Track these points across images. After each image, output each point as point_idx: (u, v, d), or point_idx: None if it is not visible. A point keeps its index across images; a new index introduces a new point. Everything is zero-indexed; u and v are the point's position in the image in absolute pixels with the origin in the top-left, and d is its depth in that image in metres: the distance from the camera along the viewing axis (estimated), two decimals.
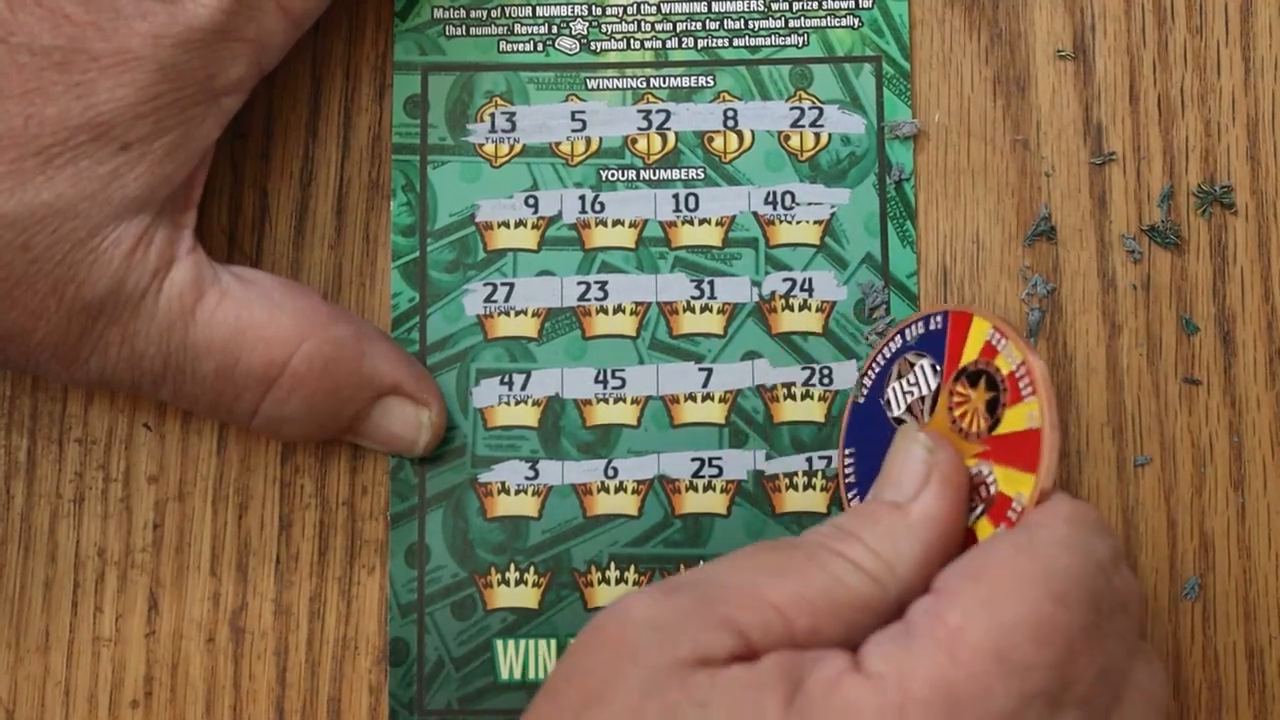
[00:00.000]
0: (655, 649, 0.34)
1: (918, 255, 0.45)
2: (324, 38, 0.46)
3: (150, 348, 0.40)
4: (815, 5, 0.46)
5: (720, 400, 0.45)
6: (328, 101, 0.46)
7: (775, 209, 0.45)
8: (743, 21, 0.46)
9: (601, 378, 0.45)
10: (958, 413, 0.39)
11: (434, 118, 0.46)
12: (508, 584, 0.44)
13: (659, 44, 0.46)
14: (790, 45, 0.46)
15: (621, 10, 0.46)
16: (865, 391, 0.42)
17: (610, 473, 0.44)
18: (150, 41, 0.38)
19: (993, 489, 0.38)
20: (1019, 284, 0.45)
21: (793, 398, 0.44)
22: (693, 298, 0.45)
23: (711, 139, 0.45)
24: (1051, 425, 0.37)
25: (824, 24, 0.46)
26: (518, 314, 0.45)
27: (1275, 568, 0.44)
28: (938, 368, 0.40)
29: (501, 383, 0.45)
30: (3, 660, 0.44)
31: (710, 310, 0.45)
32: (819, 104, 0.45)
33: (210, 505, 0.45)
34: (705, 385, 0.45)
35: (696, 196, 0.45)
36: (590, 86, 0.46)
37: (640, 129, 0.45)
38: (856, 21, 0.46)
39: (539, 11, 0.46)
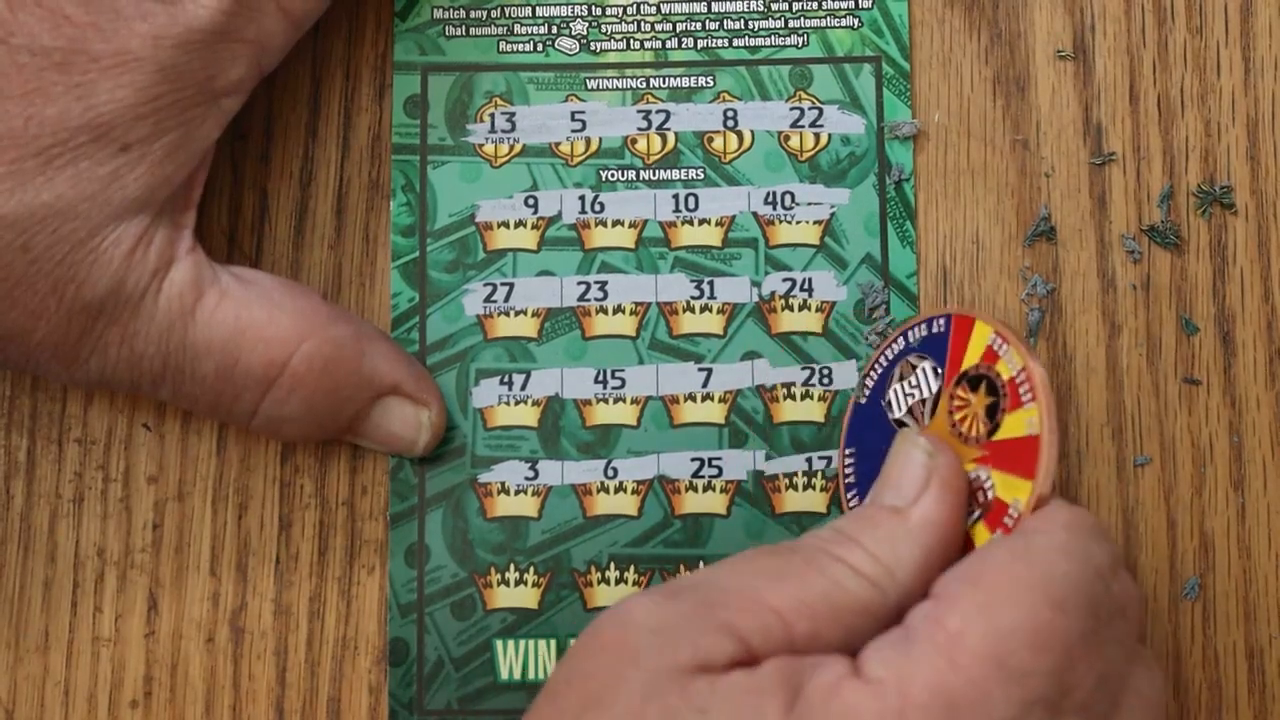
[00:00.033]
0: (656, 653, 0.34)
1: (917, 255, 0.45)
2: (324, 38, 0.46)
3: (150, 348, 0.40)
4: (815, 5, 0.46)
5: (720, 400, 0.45)
6: (328, 102, 0.46)
7: (775, 209, 0.45)
8: (742, 22, 0.46)
9: (601, 378, 0.45)
10: (958, 417, 0.39)
11: (434, 118, 0.45)
12: (507, 584, 0.44)
13: (659, 44, 0.46)
14: (790, 45, 0.46)
15: (621, 10, 0.46)
16: (867, 392, 0.42)
17: (610, 473, 0.44)
18: (150, 42, 0.38)
19: (990, 494, 0.38)
20: (1019, 284, 0.45)
21: (792, 398, 0.44)
22: (692, 298, 0.45)
23: (711, 139, 0.45)
24: (1050, 431, 0.37)
25: (824, 24, 0.46)
26: (517, 314, 0.45)
27: (1275, 568, 0.44)
28: (939, 371, 0.40)
29: (501, 383, 0.45)
30: (2, 660, 0.44)
31: (710, 310, 0.45)
32: (819, 104, 0.45)
33: (210, 505, 0.45)
34: (705, 385, 0.45)
35: (696, 197, 0.45)
36: (590, 87, 0.46)
37: (640, 129, 0.45)
38: (856, 22, 0.46)
39: (539, 12, 0.46)
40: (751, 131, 0.45)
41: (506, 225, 0.45)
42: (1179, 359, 0.45)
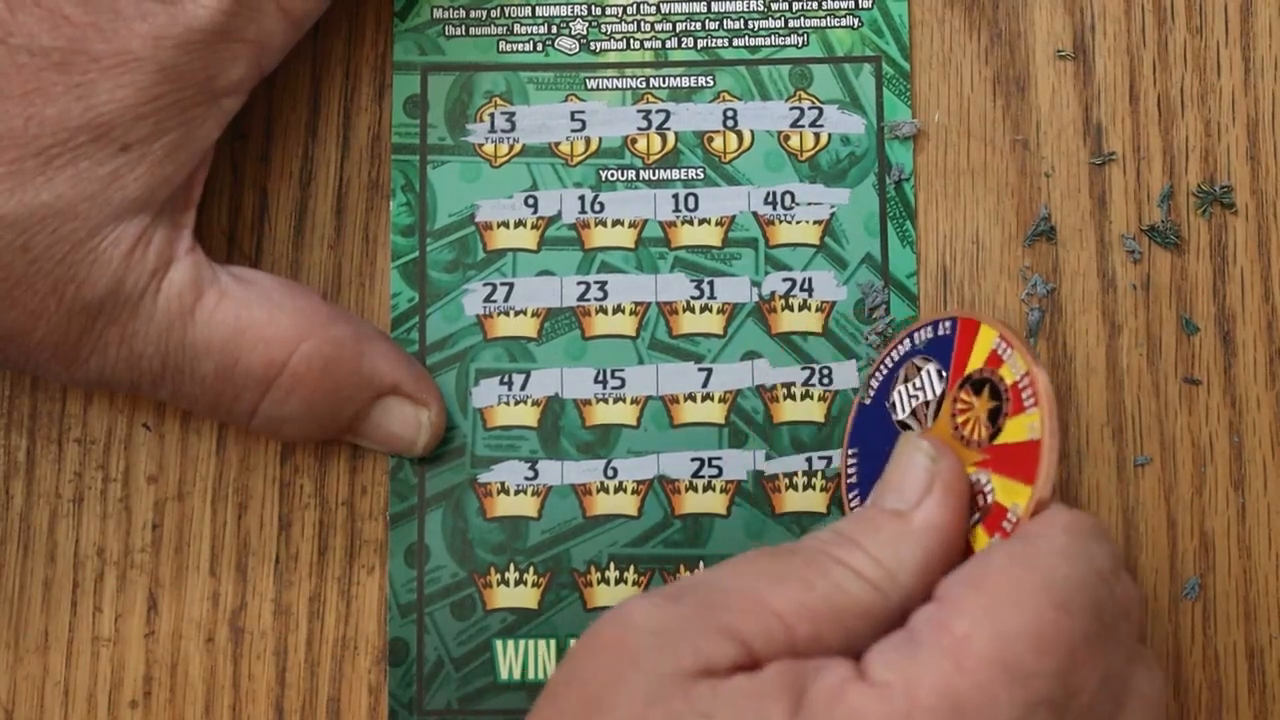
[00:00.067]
0: (657, 656, 0.34)
1: (917, 255, 0.45)
2: (324, 38, 0.46)
3: (149, 348, 0.40)
4: (815, 5, 0.46)
5: (720, 400, 0.45)
6: (327, 101, 0.46)
7: (775, 209, 0.45)
8: (742, 21, 0.46)
9: (601, 378, 0.45)
10: (960, 419, 0.39)
11: (433, 118, 0.45)
12: (507, 584, 0.44)
13: (659, 44, 0.46)
14: (790, 45, 0.46)
15: (621, 10, 0.46)
16: (872, 393, 0.42)
17: (610, 473, 0.44)
18: (150, 43, 0.38)
19: (990, 498, 0.38)
20: (1019, 284, 0.45)
21: (792, 398, 0.44)
22: (692, 298, 0.45)
23: (711, 139, 0.45)
24: (1051, 435, 0.37)
25: (824, 24, 0.46)
26: (517, 314, 0.45)
27: (1275, 568, 0.44)
28: (944, 373, 0.40)
29: (501, 383, 0.45)
30: (2, 660, 0.44)
31: (710, 310, 0.45)
32: (819, 104, 0.45)
33: (210, 505, 0.45)
34: (705, 385, 0.45)
35: (696, 196, 0.45)
36: (590, 86, 0.46)
37: (640, 129, 0.45)
38: (856, 21, 0.46)
39: (539, 11, 0.46)
40: (751, 131, 0.45)
41: (506, 225, 0.45)
42: (1179, 359, 0.45)
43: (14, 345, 0.39)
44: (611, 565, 0.44)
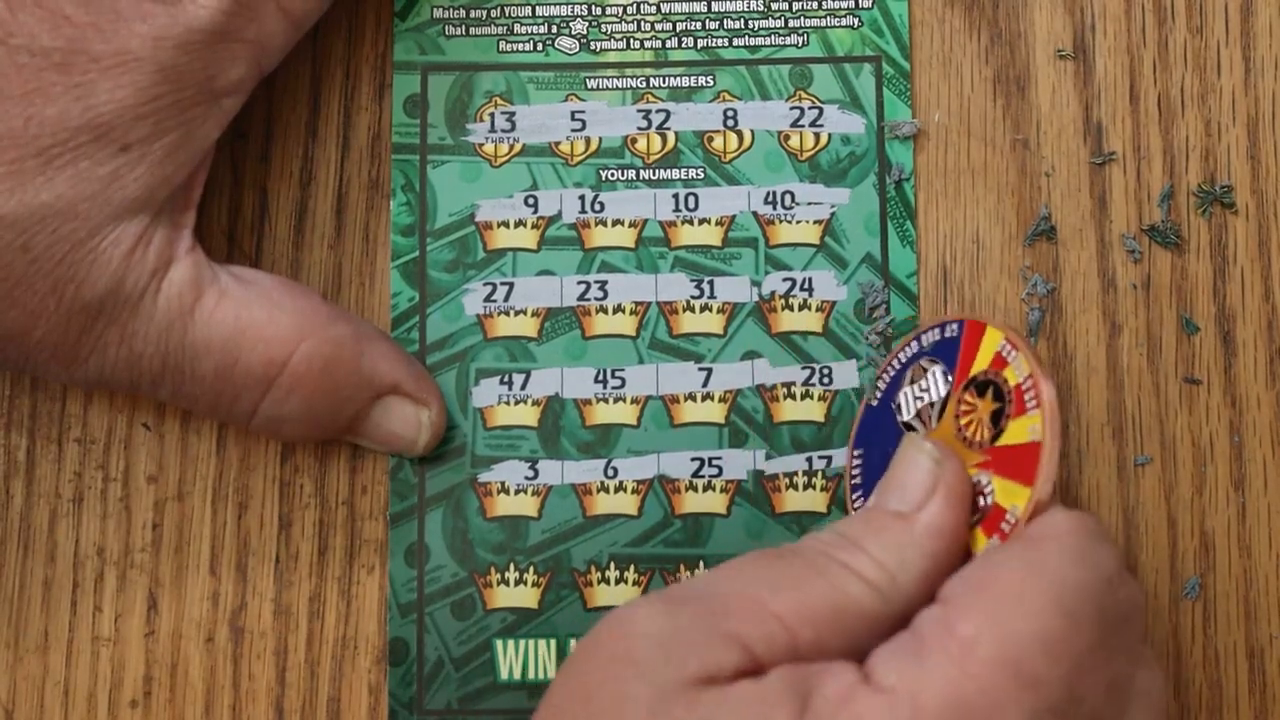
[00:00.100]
0: (661, 665, 0.34)
1: (918, 255, 0.45)
2: (324, 38, 0.46)
3: (149, 347, 0.40)
4: (815, 5, 0.46)
5: (720, 400, 0.45)
6: (327, 101, 0.46)
7: (775, 209, 0.45)
8: (742, 21, 0.46)
9: (601, 377, 0.45)
10: (963, 421, 0.39)
11: (434, 117, 0.45)
12: (507, 584, 0.44)
13: (659, 44, 0.46)
14: (790, 45, 0.46)
15: (621, 10, 0.46)
16: (879, 394, 0.42)
17: (610, 472, 0.44)
18: (150, 43, 0.38)
19: (989, 499, 0.38)
20: (1019, 284, 0.45)
21: (792, 397, 0.44)
22: (692, 297, 0.45)
23: (711, 139, 0.45)
24: (1052, 438, 0.37)
25: (824, 24, 0.46)
26: (517, 314, 0.45)
27: (1276, 567, 0.44)
28: (949, 375, 0.40)
29: (501, 382, 0.45)
30: (2, 660, 0.44)
31: (710, 310, 0.45)
32: (819, 104, 0.45)
33: (210, 505, 0.45)
34: (705, 385, 0.45)
35: (696, 196, 0.45)
36: (590, 86, 0.46)
37: (640, 129, 0.45)
38: (856, 21, 0.46)
39: (539, 11, 0.46)
40: (751, 131, 0.45)
41: (506, 225, 0.45)
42: (1179, 358, 0.45)
43: (13, 345, 0.39)
44: (612, 565, 0.44)
